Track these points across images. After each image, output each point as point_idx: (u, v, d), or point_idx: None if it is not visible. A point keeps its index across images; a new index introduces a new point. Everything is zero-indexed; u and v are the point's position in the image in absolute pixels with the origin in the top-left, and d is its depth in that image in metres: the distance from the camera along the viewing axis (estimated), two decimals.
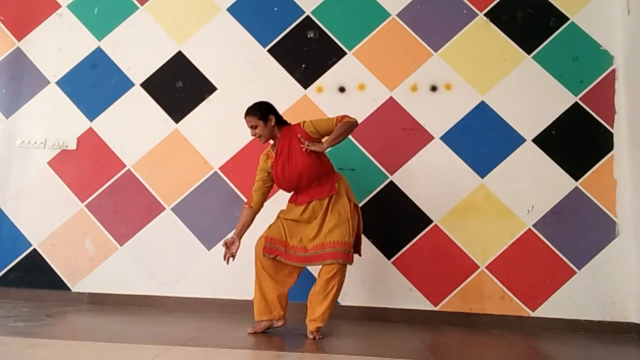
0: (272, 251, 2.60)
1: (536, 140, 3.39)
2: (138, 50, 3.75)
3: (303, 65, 3.59)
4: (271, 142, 2.77)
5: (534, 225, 3.29)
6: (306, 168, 2.61)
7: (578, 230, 3.25)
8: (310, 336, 2.52)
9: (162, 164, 3.59)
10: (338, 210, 2.60)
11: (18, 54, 3.81)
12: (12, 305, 3.18)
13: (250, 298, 3.18)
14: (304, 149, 2.59)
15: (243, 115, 2.71)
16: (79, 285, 3.49)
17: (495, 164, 3.38)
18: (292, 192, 2.76)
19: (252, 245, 2.67)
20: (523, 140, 3.40)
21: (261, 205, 2.77)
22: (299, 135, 2.62)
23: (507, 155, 3.39)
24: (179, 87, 3.68)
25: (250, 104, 2.75)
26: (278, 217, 2.73)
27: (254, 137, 2.75)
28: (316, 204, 2.63)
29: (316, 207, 2.63)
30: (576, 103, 3.41)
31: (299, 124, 2.69)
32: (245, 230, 2.72)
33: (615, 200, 3.26)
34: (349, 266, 2.53)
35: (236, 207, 3.37)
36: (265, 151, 2.79)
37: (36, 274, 3.51)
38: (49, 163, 3.66)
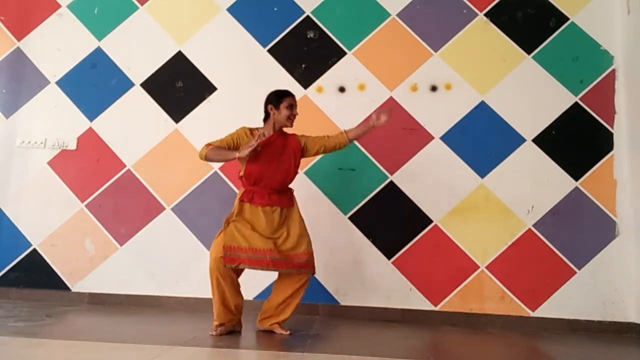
0: (232, 260, 2.46)
1: (536, 140, 3.39)
2: (138, 50, 3.75)
3: (303, 65, 3.59)
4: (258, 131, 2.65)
5: (534, 225, 3.29)
6: (290, 172, 2.63)
7: (578, 230, 3.25)
8: (285, 332, 2.57)
9: (162, 164, 3.59)
10: (301, 221, 2.65)
11: (18, 54, 3.81)
12: (12, 305, 3.18)
13: (250, 298, 3.19)
14: (376, 119, 2.59)
15: (285, 96, 2.66)
16: (79, 285, 3.49)
17: (495, 164, 3.38)
18: (244, 190, 2.62)
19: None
20: (523, 140, 3.39)
21: None
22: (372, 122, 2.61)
23: (507, 155, 3.39)
24: (179, 87, 3.68)
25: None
26: (228, 222, 2.56)
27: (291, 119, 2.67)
28: (275, 210, 2.58)
29: (275, 215, 2.59)
30: (576, 103, 3.41)
31: (294, 134, 2.73)
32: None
33: (615, 200, 3.26)
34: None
35: None
36: (250, 128, 2.67)
37: (36, 274, 3.51)
38: (49, 163, 3.66)
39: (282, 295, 2.59)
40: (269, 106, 2.66)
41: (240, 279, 2.63)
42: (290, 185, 2.72)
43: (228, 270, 2.50)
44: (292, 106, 2.66)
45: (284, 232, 2.59)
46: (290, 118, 2.65)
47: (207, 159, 2.61)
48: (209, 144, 2.60)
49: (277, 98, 2.66)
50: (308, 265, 2.56)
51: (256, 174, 2.58)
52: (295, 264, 2.54)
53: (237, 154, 2.51)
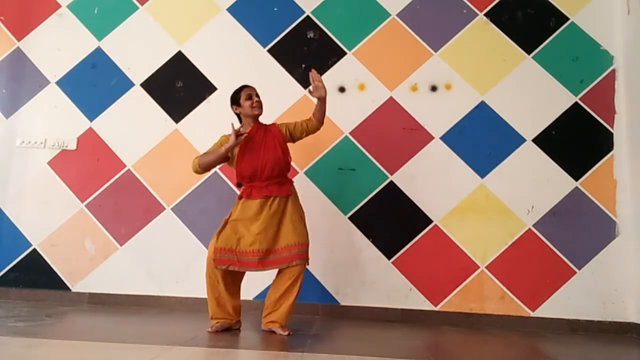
0: (222, 262, 2.51)
1: (536, 140, 3.39)
2: (138, 50, 3.75)
3: (303, 65, 3.59)
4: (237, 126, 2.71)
5: (534, 225, 3.29)
6: (276, 160, 2.63)
7: (578, 230, 3.25)
8: (285, 332, 2.54)
9: (162, 164, 3.59)
10: (294, 212, 2.63)
11: (18, 54, 3.81)
12: (12, 305, 3.18)
13: (250, 298, 3.19)
14: (310, 90, 2.67)
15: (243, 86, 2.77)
16: (79, 285, 3.49)
17: (495, 164, 3.38)
18: (244, 187, 2.66)
19: None
20: (523, 140, 3.40)
21: None
22: (309, 88, 2.68)
23: (507, 155, 3.39)
24: (179, 87, 3.68)
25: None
26: (226, 222, 2.62)
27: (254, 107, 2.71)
28: (273, 201, 2.59)
29: (273, 205, 2.59)
30: (576, 103, 3.41)
31: (273, 123, 2.78)
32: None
33: (615, 200, 3.26)
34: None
35: None
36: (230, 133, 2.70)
37: (36, 274, 3.51)
38: (49, 163, 3.66)
39: (277, 292, 2.57)
40: (233, 108, 2.76)
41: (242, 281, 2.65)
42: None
43: (223, 271, 2.53)
44: (250, 95, 2.71)
45: (281, 223, 2.58)
46: (253, 106, 2.69)
47: (200, 167, 2.66)
48: (197, 157, 2.69)
49: (235, 96, 2.76)
50: (299, 256, 2.53)
51: (250, 171, 2.62)
52: (285, 258, 2.52)
53: (224, 147, 2.56)
